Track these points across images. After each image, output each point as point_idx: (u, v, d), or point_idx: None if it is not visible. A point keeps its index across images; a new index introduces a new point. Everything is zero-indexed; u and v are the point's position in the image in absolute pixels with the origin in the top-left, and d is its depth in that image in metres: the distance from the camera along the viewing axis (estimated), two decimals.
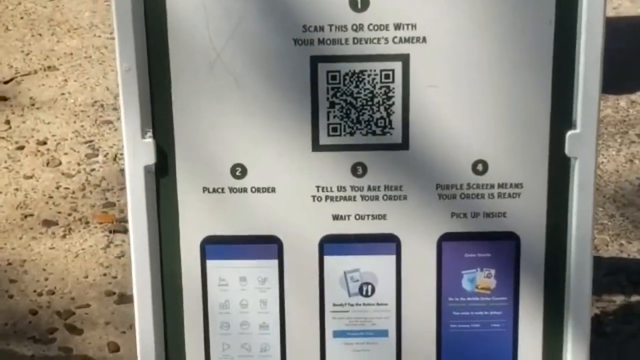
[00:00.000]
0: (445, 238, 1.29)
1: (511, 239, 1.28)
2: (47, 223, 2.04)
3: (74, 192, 2.16)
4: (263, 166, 1.26)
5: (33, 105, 2.57)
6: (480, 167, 1.26)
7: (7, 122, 2.48)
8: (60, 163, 2.28)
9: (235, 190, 1.27)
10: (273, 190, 1.27)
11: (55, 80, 2.70)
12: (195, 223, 1.28)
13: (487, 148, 1.25)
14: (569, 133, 1.24)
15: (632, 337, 1.67)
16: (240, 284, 1.31)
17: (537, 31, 1.21)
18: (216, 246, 1.29)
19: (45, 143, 2.38)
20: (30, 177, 2.22)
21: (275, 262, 1.30)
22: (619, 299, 1.77)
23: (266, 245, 1.29)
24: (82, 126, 2.45)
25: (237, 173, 1.27)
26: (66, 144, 2.37)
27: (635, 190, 2.10)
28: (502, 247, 1.29)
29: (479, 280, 1.31)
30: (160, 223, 1.28)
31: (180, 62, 1.22)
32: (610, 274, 1.81)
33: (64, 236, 2.00)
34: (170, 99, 1.23)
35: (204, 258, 1.30)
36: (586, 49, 1.21)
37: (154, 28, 1.21)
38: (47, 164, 2.28)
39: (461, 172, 1.26)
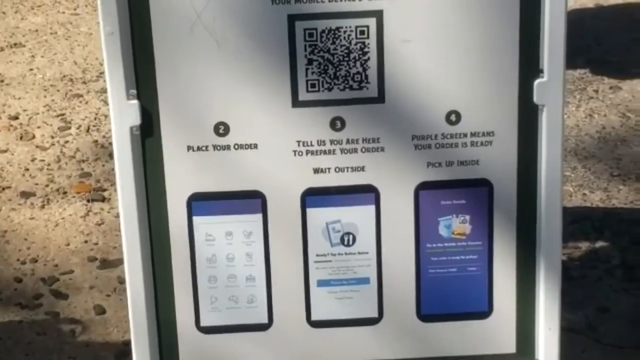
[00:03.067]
0: (422, 187, 1.34)
1: (484, 185, 1.34)
2: (25, 194, 2.07)
3: (49, 164, 2.19)
4: (245, 123, 1.30)
5: (2, 81, 2.59)
6: (453, 117, 1.32)
7: None
8: (33, 137, 2.30)
9: (218, 148, 1.31)
10: (255, 146, 1.32)
11: (22, 57, 2.72)
12: (181, 181, 1.32)
13: (459, 99, 1.31)
14: (537, 81, 1.30)
15: (597, 280, 1.75)
16: (226, 239, 1.36)
17: None
18: (202, 203, 1.33)
19: (17, 118, 2.40)
20: (5, 151, 2.25)
21: (260, 216, 1.35)
22: (584, 245, 1.85)
23: (250, 200, 1.34)
24: (53, 100, 2.48)
25: (220, 131, 1.31)
26: (38, 117, 2.40)
27: (595, 143, 2.18)
28: (475, 193, 1.35)
29: (455, 226, 1.36)
30: (147, 182, 1.32)
31: (162, 24, 1.26)
32: (575, 222, 1.88)
33: (42, 206, 2.03)
34: (153, 61, 1.27)
35: (190, 215, 1.34)
36: (551, 0, 1.27)
37: None
38: (21, 137, 2.30)
39: (435, 122, 1.31)
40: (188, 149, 1.31)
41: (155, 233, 1.34)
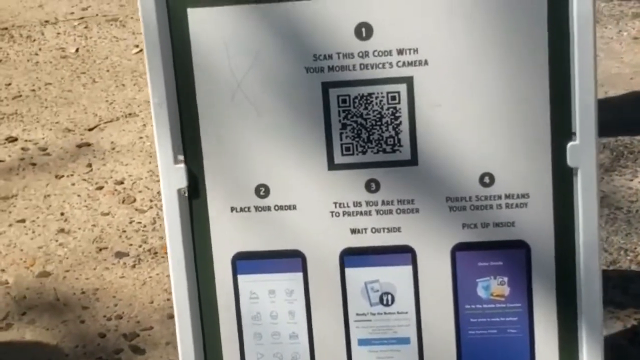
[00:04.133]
0: (459, 248, 1.36)
1: (521, 247, 1.35)
2: (120, 255, 2.20)
3: (145, 226, 2.31)
4: (284, 185, 1.37)
5: (113, 149, 2.76)
6: (487, 179, 1.34)
7: (89, 165, 2.67)
8: (134, 200, 2.44)
9: (260, 209, 1.38)
10: (294, 207, 1.38)
11: (134, 126, 2.89)
12: (226, 240, 1.40)
13: (492, 161, 1.33)
14: (570, 144, 1.31)
15: None
16: (269, 297, 1.41)
17: (532, 50, 1.29)
18: (246, 262, 1.40)
19: (122, 183, 2.55)
20: (107, 214, 2.39)
21: (300, 274, 1.40)
22: None
23: (291, 259, 1.39)
24: (157, 166, 2.62)
25: (261, 193, 1.38)
26: (141, 182, 2.54)
27: None
28: (513, 255, 1.36)
29: (493, 287, 1.37)
30: (194, 241, 1.40)
31: (206, 93, 1.35)
32: None
33: (133, 266, 2.15)
34: (198, 127, 1.36)
35: (235, 273, 1.41)
36: (579, 62, 1.27)
37: (181, 65, 1.34)
38: (123, 201, 2.44)
39: (469, 184, 1.34)
40: (232, 210, 1.39)
41: (203, 291, 1.41)
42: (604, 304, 1.87)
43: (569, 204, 1.33)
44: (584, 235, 1.32)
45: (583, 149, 1.30)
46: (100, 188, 2.54)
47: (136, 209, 2.40)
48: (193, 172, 1.37)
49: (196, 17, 1.31)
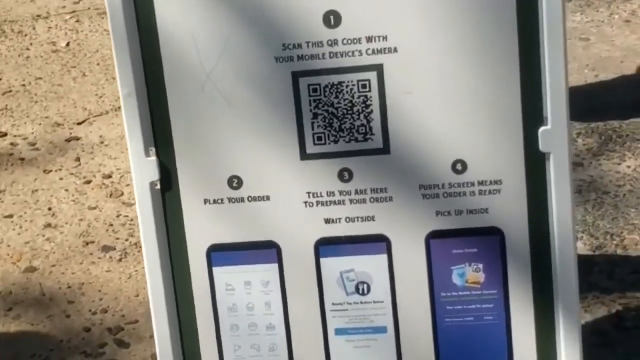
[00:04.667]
0: (433, 235, 1.35)
1: (495, 233, 1.34)
2: (106, 249, 2.20)
3: (132, 220, 2.31)
4: (257, 176, 1.36)
5: (102, 142, 2.75)
6: (459, 166, 1.33)
7: (77, 159, 2.66)
8: (122, 194, 2.44)
9: (233, 200, 1.37)
10: (268, 198, 1.37)
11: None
12: (200, 233, 1.39)
13: (464, 148, 1.32)
14: (541, 129, 1.30)
15: None
16: (245, 288, 1.41)
17: (502, 35, 1.28)
18: (221, 253, 1.39)
19: (110, 176, 2.54)
20: (94, 208, 2.39)
21: (276, 265, 1.39)
22: None
23: (266, 250, 1.39)
24: None
25: (234, 184, 1.37)
26: (129, 176, 2.53)
27: None
28: (487, 241, 1.35)
29: (468, 274, 1.36)
30: (168, 234, 1.40)
31: (175, 84, 1.34)
32: (636, 272, 1.82)
33: (120, 260, 2.15)
34: (169, 119, 1.35)
35: (210, 265, 1.40)
36: (550, 48, 1.26)
37: (149, 56, 1.33)
38: (111, 195, 2.44)
39: (442, 172, 1.33)
40: (205, 202, 1.38)
41: (179, 284, 1.41)
42: (589, 289, 1.88)
43: (542, 190, 1.31)
44: (558, 220, 1.31)
45: (555, 133, 1.29)
46: (88, 182, 2.54)
47: (123, 203, 2.40)
48: (165, 164, 1.37)
49: (163, 6, 1.30)
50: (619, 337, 1.70)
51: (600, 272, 1.91)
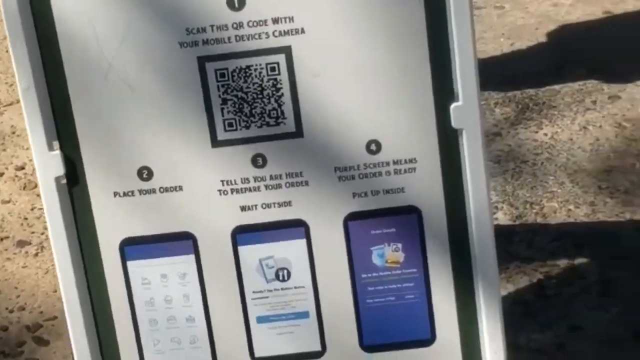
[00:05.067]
0: (351, 217, 1.34)
1: (412, 212, 1.33)
2: (21, 243, 2.13)
3: None
4: (168, 166, 1.32)
5: (14, 133, 2.67)
6: (373, 146, 1.31)
7: None
8: (35, 186, 2.37)
9: (144, 192, 1.33)
10: (180, 188, 1.33)
11: None
12: (111, 227, 1.35)
13: (377, 128, 1.30)
14: (453, 106, 1.29)
15: (572, 298, 1.71)
16: (161, 281, 1.37)
17: (410, 11, 1.26)
18: (134, 247, 1.35)
19: (23, 168, 2.47)
20: (8, 202, 2.32)
21: (192, 256, 1.36)
22: (563, 263, 1.80)
23: (181, 242, 1.35)
24: None
25: (144, 175, 1.33)
26: None
27: (587, 156, 2.13)
28: (404, 221, 1.34)
29: (388, 254, 1.35)
30: (78, 230, 1.35)
31: (76, 75, 1.29)
32: (556, 239, 1.84)
33: (36, 254, 2.09)
34: (72, 111, 1.30)
35: (124, 260, 1.36)
36: (457, 24, 1.25)
37: (46, 47, 1.27)
38: (24, 187, 2.37)
39: (356, 153, 1.31)
40: (115, 195, 1.34)
41: (92, 280, 1.36)
42: (511, 259, 1.89)
43: (456, 166, 1.30)
44: (473, 196, 1.31)
45: (466, 109, 1.27)
46: (1, 175, 2.45)
47: (38, 195, 2.32)
48: (70, 158, 1.32)
49: None
50: (541, 305, 1.72)
51: (520, 242, 1.93)
